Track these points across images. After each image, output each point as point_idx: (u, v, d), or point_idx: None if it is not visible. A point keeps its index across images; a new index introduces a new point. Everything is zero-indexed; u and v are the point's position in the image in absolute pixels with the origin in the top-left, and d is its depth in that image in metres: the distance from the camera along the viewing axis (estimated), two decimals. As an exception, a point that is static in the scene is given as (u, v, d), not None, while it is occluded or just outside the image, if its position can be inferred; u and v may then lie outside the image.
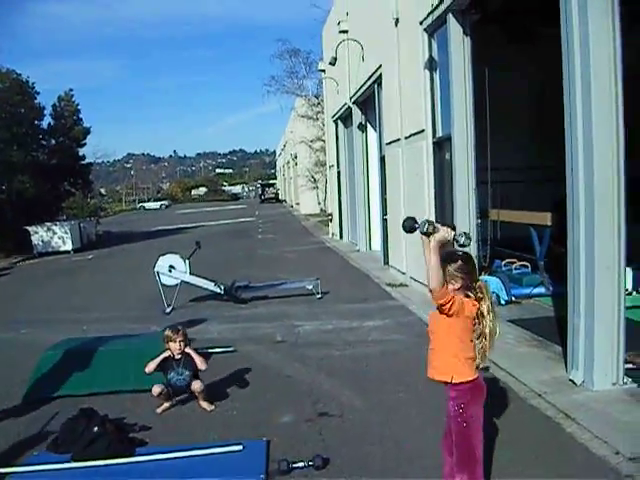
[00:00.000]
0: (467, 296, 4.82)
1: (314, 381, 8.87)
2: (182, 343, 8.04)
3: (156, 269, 14.47)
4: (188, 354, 8.10)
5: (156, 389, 7.92)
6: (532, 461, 5.90)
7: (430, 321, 4.99)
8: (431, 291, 4.66)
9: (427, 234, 4.64)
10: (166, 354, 8.08)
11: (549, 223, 12.62)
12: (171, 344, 8.01)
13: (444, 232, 4.64)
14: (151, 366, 8.02)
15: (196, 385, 8.01)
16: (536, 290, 13.09)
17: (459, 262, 4.83)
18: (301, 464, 6.05)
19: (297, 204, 66.07)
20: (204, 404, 8.01)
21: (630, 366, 7.88)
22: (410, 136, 15.52)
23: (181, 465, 6.37)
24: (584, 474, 5.64)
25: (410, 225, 4.74)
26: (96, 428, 6.89)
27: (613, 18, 7.35)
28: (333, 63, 25.81)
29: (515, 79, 17.46)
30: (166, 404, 8.05)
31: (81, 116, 42.43)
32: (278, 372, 9.42)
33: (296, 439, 6.84)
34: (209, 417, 7.74)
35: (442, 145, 13.61)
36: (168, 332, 8.07)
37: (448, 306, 4.66)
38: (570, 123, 7.77)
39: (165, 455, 6.54)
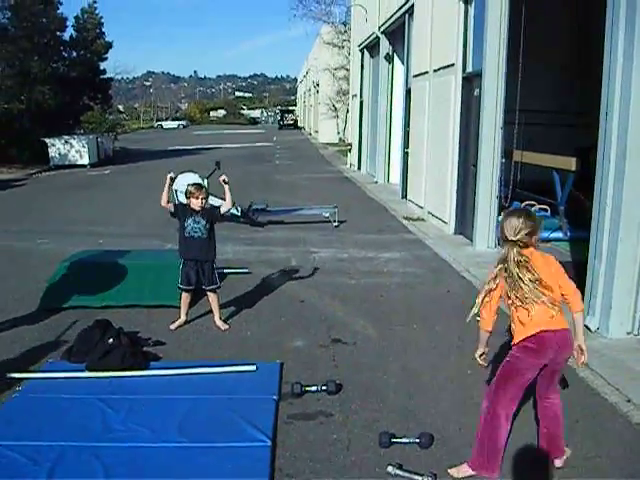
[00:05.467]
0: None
1: (328, 308, 8.90)
2: (203, 200, 7.92)
3: (174, 187, 14.36)
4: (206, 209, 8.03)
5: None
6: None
7: None
8: None
9: None
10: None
11: (574, 168, 12.47)
12: (192, 200, 7.85)
13: None
14: (164, 197, 7.92)
15: (211, 296, 8.06)
16: (554, 234, 13.00)
17: None
18: (314, 388, 6.10)
19: (316, 132, 65.54)
20: (219, 323, 8.04)
21: (646, 316, 7.85)
22: (439, 69, 15.24)
23: (194, 381, 6.42)
24: (594, 419, 5.66)
25: None
26: (111, 340, 6.94)
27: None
28: (364, -11, 25.27)
29: (555, 16, 17.06)
30: (182, 317, 8.08)
31: (104, 29, 41.82)
32: (293, 297, 9.44)
33: (309, 364, 6.89)
34: (223, 336, 7.78)
35: (471, 81, 13.36)
36: (191, 188, 7.88)
37: None
38: (609, 65, 7.57)
39: (179, 370, 6.60)
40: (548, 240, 12.89)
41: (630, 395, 5.99)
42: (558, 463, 4.89)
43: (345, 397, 6.06)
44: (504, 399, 4.67)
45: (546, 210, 14.01)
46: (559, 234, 13.04)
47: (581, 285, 8.26)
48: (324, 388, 6.08)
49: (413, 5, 18.23)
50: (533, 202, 14.15)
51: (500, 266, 4.68)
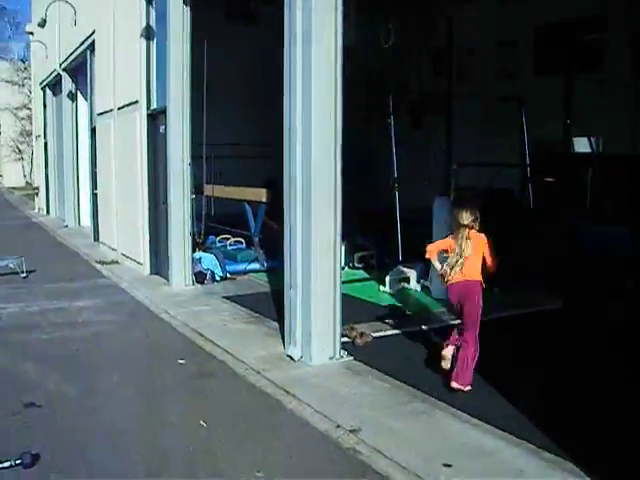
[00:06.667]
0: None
1: (19, 368, 8.00)
2: None
3: None
4: None
5: None
6: (253, 441, 5.72)
7: None
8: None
9: None
10: None
11: (264, 199, 12.70)
12: None
13: None
14: None
15: None
16: (251, 266, 13.16)
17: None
18: (7, 464, 5.34)
19: (0, 176, 61.93)
20: None
21: (346, 339, 8.07)
22: (123, 107, 14.84)
23: None
24: (308, 451, 5.59)
25: None
26: None
27: (336, 7, 7.44)
28: (42, 25, 24.23)
29: (235, 55, 17.42)
30: None
31: None
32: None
33: (0, 435, 6.10)
34: None
35: (157, 117, 13.13)
36: None
37: None
38: (289, 104, 7.75)
39: None
40: (246, 272, 12.99)
41: (339, 421, 5.99)
42: (453, 385, 6.51)
43: (45, 468, 5.39)
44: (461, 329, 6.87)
45: (241, 242, 14.11)
46: (257, 265, 13.21)
47: (281, 315, 8.35)
48: (19, 462, 5.35)
49: (94, 42, 17.69)
50: (228, 235, 14.19)
51: (453, 237, 6.75)
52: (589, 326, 9.30)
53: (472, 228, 6.72)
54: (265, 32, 12.49)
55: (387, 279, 11.43)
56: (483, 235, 6.76)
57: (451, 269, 6.73)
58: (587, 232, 12.67)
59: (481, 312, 6.67)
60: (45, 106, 27.81)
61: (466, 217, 6.70)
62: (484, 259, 6.75)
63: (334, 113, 7.52)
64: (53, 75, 24.53)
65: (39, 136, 29.95)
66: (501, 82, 19.85)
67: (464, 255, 6.67)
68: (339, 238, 7.72)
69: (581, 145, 16.87)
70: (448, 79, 18.29)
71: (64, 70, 22.84)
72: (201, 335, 8.92)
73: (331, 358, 7.66)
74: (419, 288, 11.47)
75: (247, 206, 13.31)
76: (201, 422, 6.06)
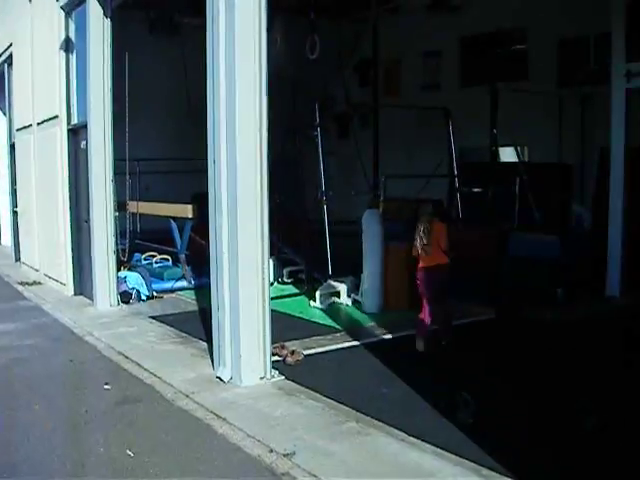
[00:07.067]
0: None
1: None
2: None
3: None
4: None
5: None
6: (182, 470, 5.48)
7: None
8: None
9: None
10: None
11: (190, 216, 12.44)
12: None
13: None
14: None
15: None
16: (178, 284, 12.87)
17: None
18: None
19: None
20: None
21: (276, 358, 7.89)
22: (43, 122, 14.38)
23: None
24: (238, 477, 5.37)
25: None
26: None
27: (260, 17, 7.30)
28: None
29: (158, 68, 17.13)
30: None
31: None
32: None
33: None
34: None
35: (78, 132, 12.74)
36: None
37: None
38: (213, 119, 7.59)
39: None
40: (173, 290, 12.69)
41: (272, 444, 5.80)
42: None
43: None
44: (428, 298, 8.70)
45: (168, 260, 13.77)
46: (184, 283, 12.92)
47: (209, 335, 8.12)
48: None
49: (12, 55, 17.17)
50: (154, 253, 13.84)
51: (419, 228, 8.61)
52: (524, 333, 9.41)
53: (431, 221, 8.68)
54: (190, 45, 12.22)
55: (317, 294, 11.27)
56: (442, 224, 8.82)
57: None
58: (518, 240, 12.81)
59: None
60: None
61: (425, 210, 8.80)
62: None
63: (259, 127, 7.38)
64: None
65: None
66: (427, 92, 20.05)
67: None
68: (267, 256, 7.57)
69: (507, 155, 17.10)
70: (374, 90, 18.42)
71: (-19, 85, 22.13)
72: (127, 358, 8.60)
73: (262, 378, 7.45)
74: (350, 302, 11.35)
75: (173, 222, 13.01)
76: (128, 452, 5.79)
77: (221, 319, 7.63)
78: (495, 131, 14.67)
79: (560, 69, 16.54)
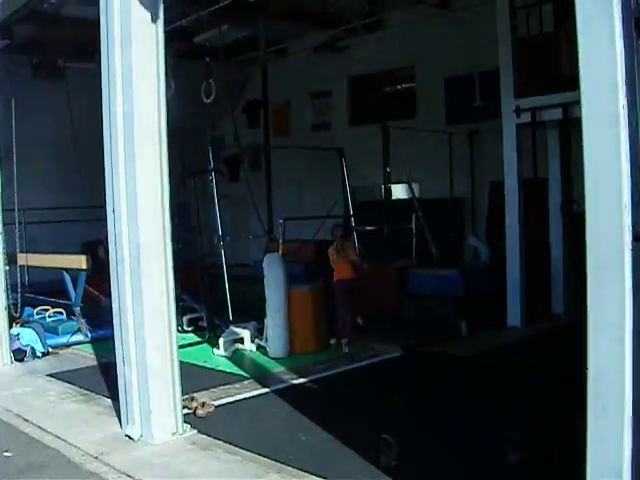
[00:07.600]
0: None
1: None
2: None
3: None
4: None
5: None
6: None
7: None
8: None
9: None
10: None
11: (84, 266, 11.97)
12: None
13: None
14: None
15: None
16: (74, 337, 12.28)
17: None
18: None
19: None
20: None
21: (186, 411, 7.59)
22: None
23: None
24: None
25: None
26: None
27: (157, 51, 7.14)
28: None
29: (44, 115, 16.61)
30: None
31: None
32: None
33: None
34: None
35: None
36: None
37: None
38: (111, 166, 7.32)
39: None
40: (69, 345, 12.14)
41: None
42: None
43: None
44: (343, 306, 10.80)
45: (62, 313, 13.16)
46: (80, 337, 12.34)
47: (113, 391, 7.75)
48: None
49: None
50: (47, 307, 13.20)
51: (333, 247, 10.96)
52: (432, 369, 9.48)
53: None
54: (76, 90, 11.87)
55: (221, 341, 11.03)
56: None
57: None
58: (418, 276, 12.92)
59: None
60: None
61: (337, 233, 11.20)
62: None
63: (160, 172, 7.21)
64: None
65: None
66: (318, 132, 20.17)
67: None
68: (173, 304, 7.29)
69: (400, 192, 17.33)
70: (265, 131, 18.40)
71: None
72: (26, 420, 8.04)
73: (174, 434, 7.15)
74: (254, 348, 11.17)
75: (66, 274, 12.48)
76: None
77: (128, 373, 7.27)
78: (388, 169, 14.82)
79: (447, 106, 16.91)
